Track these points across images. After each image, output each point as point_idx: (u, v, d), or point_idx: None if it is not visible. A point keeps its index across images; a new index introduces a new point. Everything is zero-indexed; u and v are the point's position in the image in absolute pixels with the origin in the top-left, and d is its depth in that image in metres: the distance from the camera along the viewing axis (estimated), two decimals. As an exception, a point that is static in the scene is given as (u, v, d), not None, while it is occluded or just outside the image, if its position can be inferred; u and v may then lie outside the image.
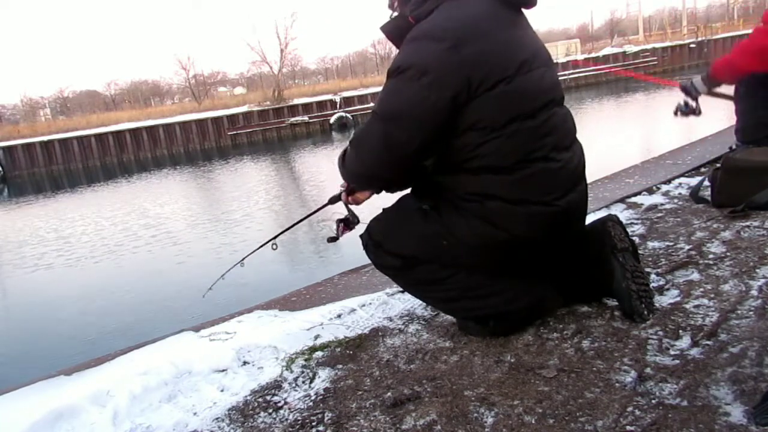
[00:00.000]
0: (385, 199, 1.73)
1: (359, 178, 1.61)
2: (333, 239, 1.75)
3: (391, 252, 1.64)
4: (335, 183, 1.71)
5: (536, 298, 1.61)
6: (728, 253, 1.95)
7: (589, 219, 1.76)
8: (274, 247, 1.94)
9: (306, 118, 23.29)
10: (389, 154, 1.43)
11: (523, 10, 1.53)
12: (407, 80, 1.35)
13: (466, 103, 1.35)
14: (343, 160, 1.57)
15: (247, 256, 1.96)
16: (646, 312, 1.56)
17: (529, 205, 1.44)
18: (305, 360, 1.66)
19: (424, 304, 1.89)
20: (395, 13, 1.56)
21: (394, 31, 1.52)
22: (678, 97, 2.98)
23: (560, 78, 1.65)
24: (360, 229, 1.75)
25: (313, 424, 1.34)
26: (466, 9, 1.41)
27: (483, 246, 1.50)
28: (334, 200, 1.77)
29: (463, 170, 1.45)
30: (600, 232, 1.64)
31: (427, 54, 1.34)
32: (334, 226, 1.76)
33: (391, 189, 1.62)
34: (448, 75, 1.32)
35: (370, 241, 1.69)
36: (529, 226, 1.46)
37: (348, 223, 1.75)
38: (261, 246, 1.95)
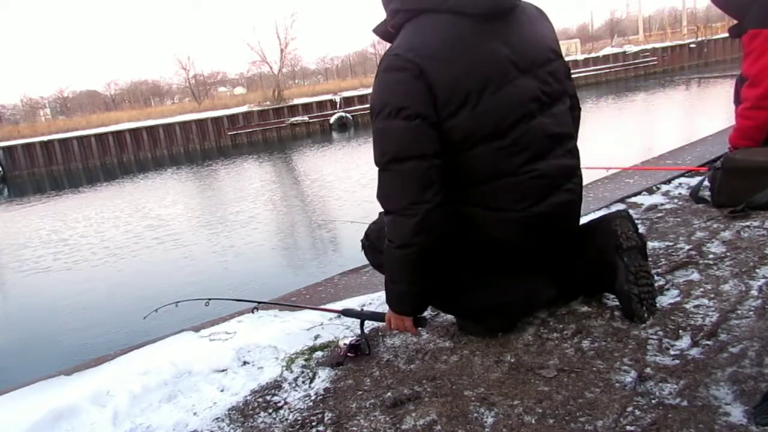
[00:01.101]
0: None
1: (420, 225, 1.40)
2: (338, 364, 1.59)
3: (383, 252, 1.64)
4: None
5: (530, 290, 1.61)
6: (728, 253, 1.95)
7: (591, 217, 1.76)
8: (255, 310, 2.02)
9: (306, 118, 23.27)
10: (416, 185, 1.40)
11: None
12: (386, 119, 1.39)
13: (439, 124, 1.38)
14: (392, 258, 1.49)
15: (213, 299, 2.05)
16: (646, 314, 1.56)
17: (503, 212, 1.47)
18: (305, 360, 1.66)
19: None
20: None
21: (384, 34, 1.56)
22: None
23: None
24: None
25: (313, 424, 1.34)
26: (430, 30, 1.41)
27: (467, 246, 1.52)
28: (357, 316, 1.72)
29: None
30: (605, 231, 1.61)
31: (395, 88, 1.38)
32: (339, 349, 1.64)
33: (442, 218, 1.43)
34: (418, 102, 1.36)
35: (367, 242, 1.75)
36: (505, 230, 1.48)
37: (357, 350, 1.62)
38: (240, 300, 2.06)
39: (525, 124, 1.44)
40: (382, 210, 1.69)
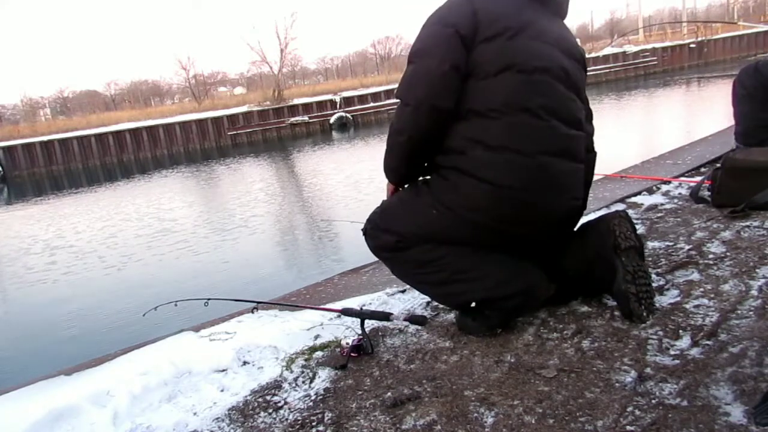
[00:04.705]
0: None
1: (410, 118, 1.58)
2: (343, 366, 1.58)
3: (387, 229, 1.69)
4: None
5: (527, 283, 1.61)
6: (728, 253, 1.95)
7: (591, 217, 1.76)
8: (254, 310, 2.05)
9: (306, 118, 23.26)
10: (426, 81, 1.54)
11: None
12: (431, 25, 1.58)
13: (471, 48, 1.51)
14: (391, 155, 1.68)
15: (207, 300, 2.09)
16: (645, 314, 1.56)
17: (508, 153, 1.50)
18: (305, 360, 1.66)
19: (424, 303, 1.89)
20: None
21: None
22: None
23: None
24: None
25: (313, 424, 1.34)
26: None
27: (469, 205, 1.54)
28: (357, 315, 1.74)
29: (459, 116, 1.54)
30: (602, 231, 1.63)
31: (449, 6, 1.59)
32: (342, 349, 1.64)
33: (434, 133, 1.58)
34: (462, 18, 1.52)
35: (368, 224, 1.75)
36: (507, 175, 1.50)
37: (360, 349, 1.63)
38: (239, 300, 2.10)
39: (549, 77, 1.54)
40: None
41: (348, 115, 23.35)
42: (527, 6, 1.58)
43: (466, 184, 1.53)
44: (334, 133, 22.49)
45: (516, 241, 1.60)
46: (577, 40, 1.75)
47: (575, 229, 1.73)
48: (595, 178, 3.37)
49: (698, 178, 2.93)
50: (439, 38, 1.54)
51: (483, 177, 1.50)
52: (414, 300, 1.92)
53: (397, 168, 1.69)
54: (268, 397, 1.49)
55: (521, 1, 1.58)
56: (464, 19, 1.51)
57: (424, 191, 1.63)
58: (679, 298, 1.67)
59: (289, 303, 2.17)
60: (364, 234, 1.76)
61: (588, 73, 1.76)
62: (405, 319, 1.68)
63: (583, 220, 1.77)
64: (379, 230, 1.70)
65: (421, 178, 1.69)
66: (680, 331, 1.49)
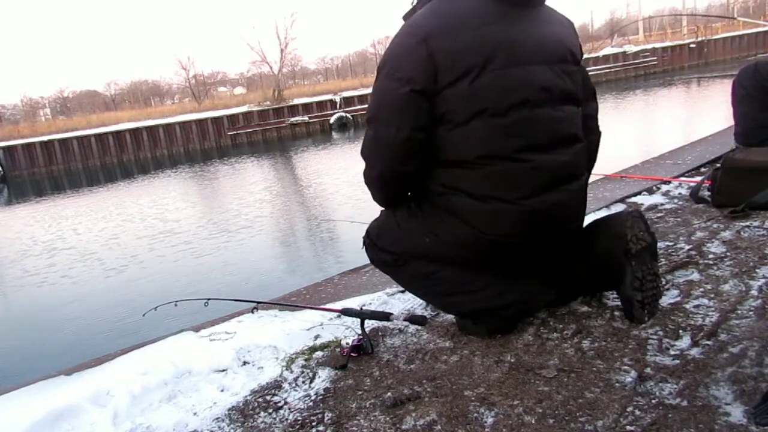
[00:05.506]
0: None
1: (377, 180, 1.61)
2: (343, 366, 1.58)
3: (384, 249, 1.69)
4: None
5: (526, 292, 1.60)
6: (728, 253, 1.95)
7: (593, 217, 1.75)
8: (255, 310, 2.05)
9: (306, 118, 23.27)
10: (386, 150, 1.51)
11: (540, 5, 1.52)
12: (384, 78, 1.46)
13: (434, 95, 1.40)
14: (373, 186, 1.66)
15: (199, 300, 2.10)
16: (647, 318, 1.55)
17: (492, 201, 1.44)
18: (305, 360, 1.66)
19: (424, 303, 1.89)
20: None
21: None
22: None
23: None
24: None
25: (313, 424, 1.34)
26: (453, 5, 1.43)
27: (459, 243, 1.52)
28: (357, 315, 1.73)
29: (436, 162, 1.49)
30: (613, 234, 1.56)
31: (401, 50, 1.44)
32: (342, 349, 1.63)
33: (406, 183, 1.60)
34: (416, 68, 1.39)
35: (368, 239, 1.75)
36: (494, 224, 1.46)
37: (361, 349, 1.62)
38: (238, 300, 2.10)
39: (528, 109, 1.41)
40: (383, 208, 1.72)
41: (348, 115, 23.36)
42: (497, 16, 1.41)
43: (455, 225, 1.50)
44: (334, 133, 22.49)
45: (513, 259, 1.58)
46: (570, 29, 1.59)
47: (581, 230, 1.67)
48: (595, 178, 3.39)
49: (698, 178, 2.93)
50: (394, 101, 1.42)
51: (471, 223, 1.48)
52: (414, 300, 1.92)
53: (379, 200, 1.70)
54: (268, 397, 1.49)
55: (488, 13, 1.41)
56: (419, 68, 1.37)
57: (417, 219, 1.60)
58: (679, 298, 1.67)
59: (289, 303, 2.18)
60: (365, 246, 1.77)
61: (588, 72, 1.69)
62: (405, 319, 1.68)
63: (589, 219, 1.73)
64: (376, 248, 1.72)
65: (412, 203, 1.65)
66: (680, 331, 1.49)
